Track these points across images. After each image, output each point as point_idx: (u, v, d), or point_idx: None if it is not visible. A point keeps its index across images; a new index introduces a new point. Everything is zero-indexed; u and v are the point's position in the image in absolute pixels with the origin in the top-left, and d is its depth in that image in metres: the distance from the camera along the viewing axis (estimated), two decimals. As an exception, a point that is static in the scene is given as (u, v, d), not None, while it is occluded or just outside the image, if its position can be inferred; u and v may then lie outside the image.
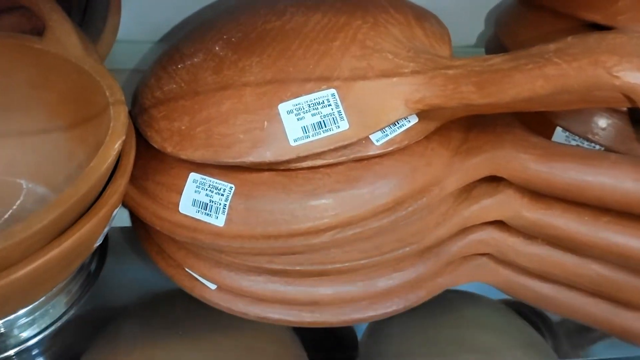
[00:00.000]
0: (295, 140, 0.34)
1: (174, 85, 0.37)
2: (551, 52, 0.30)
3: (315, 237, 0.35)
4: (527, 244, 0.40)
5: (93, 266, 0.45)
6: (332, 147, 0.34)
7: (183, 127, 0.36)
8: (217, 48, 0.37)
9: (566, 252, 0.40)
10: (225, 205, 0.35)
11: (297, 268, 0.37)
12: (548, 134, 0.43)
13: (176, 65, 0.38)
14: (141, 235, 0.43)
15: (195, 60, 0.38)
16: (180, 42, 0.41)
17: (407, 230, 0.37)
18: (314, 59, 0.35)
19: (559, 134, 0.42)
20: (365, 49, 0.36)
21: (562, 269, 0.40)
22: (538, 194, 0.38)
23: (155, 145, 0.37)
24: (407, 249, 0.37)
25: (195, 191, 0.36)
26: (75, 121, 0.41)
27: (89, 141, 0.39)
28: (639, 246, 0.36)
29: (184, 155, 0.35)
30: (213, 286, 0.40)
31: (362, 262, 0.37)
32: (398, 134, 0.35)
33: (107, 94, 0.37)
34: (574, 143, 0.42)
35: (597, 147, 0.41)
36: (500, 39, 0.47)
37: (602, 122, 0.40)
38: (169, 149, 0.36)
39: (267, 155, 0.34)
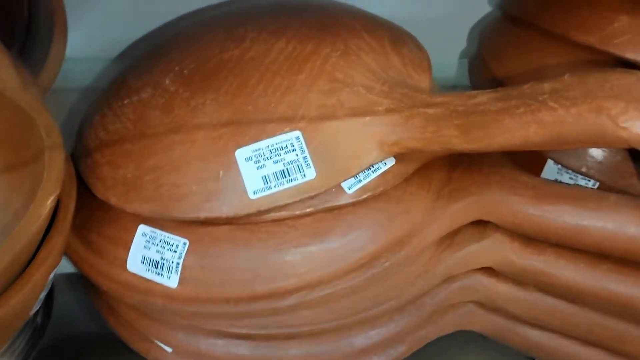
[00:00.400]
0: (255, 193, 0.29)
1: (119, 125, 0.33)
2: (546, 93, 0.26)
3: (281, 299, 0.31)
4: (518, 291, 0.36)
5: (39, 319, 0.41)
6: (297, 200, 0.30)
7: (129, 175, 0.31)
8: (167, 82, 0.33)
9: (561, 300, 0.36)
10: (178, 263, 0.31)
11: (262, 332, 0.33)
12: (538, 167, 0.39)
13: (122, 100, 0.34)
14: (89, 288, 0.39)
15: (143, 95, 0.33)
16: (127, 72, 0.36)
17: (384, 286, 0.33)
18: (276, 95, 0.31)
19: (551, 167, 0.38)
20: (334, 82, 0.31)
21: (557, 318, 0.36)
22: (529, 237, 0.35)
23: (98, 195, 0.32)
24: (385, 306, 0.33)
25: (145, 246, 0.32)
26: (10, 164, 0.36)
27: (25, 188, 0.34)
28: (642, 297, 0.33)
29: (129, 208, 0.31)
30: (169, 349, 0.35)
31: (334, 323, 0.33)
32: (373, 179, 0.31)
33: (43, 135, 0.33)
34: (566, 177, 0.38)
35: (593, 182, 0.37)
36: (485, 58, 0.44)
37: (599, 154, 0.37)
38: (113, 200, 0.31)
39: (223, 209, 0.30)
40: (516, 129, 0.26)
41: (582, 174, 0.37)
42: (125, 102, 0.33)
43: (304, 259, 0.31)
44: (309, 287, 0.31)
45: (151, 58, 0.36)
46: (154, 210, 0.30)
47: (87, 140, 0.34)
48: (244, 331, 0.33)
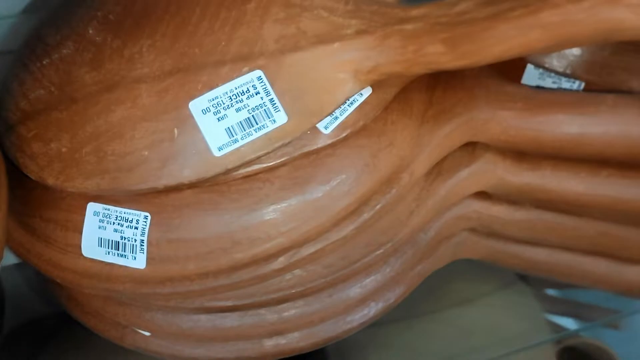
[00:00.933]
0: (220, 149, 0.25)
1: (42, 91, 0.27)
2: (546, -12, 0.22)
3: (266, 264, 0.27)
4: (514, 211, 0.34)
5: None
6: (271, 150, 0.26)
7: (64, 150, 0.26)
8: (90, 31, 0.28)
9: (561, 214, 0.34)
10: (142, 240, 0.27)
11: (248, 301, 0.29)
12: (516, 74, 0.35)
13: (40, 61, 0.28)
14: (45, 280, 0.34)
15: (65, 52, 0.28)
16: (42, 27, 0.30)
17: (376, 230, 0.30)
18: (225, 31, 0.26)
19: (531, 73, 0.35)
20: (291, 7, 0.27)
21: (557, 232, 0.34)
22: (523, 152, 0.32)
23: (32, 176, 0.27)
24: (380, 251, 0.30)
25: (100, 227, 0.28)
26: None
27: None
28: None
29: (71, 187, 0.26)
30: (147, 333, 0.32)
31: (327, 279, 0.30)
32: (350, 114, 0.27)
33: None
34: (549, 81, 0.35)
35: (578, 83, 0.34)
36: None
37: (584, 52, 0.33)
38: (51, 181, 0.27)
39: (184, 174, 0.25)
40: (514, 36, 0.22)
41: (566, 75, 0.34)
42: (45, 62, 0.28)
43: (285, 215, 0.27)
44: (295, 246, 0.27)
45: (67, 6, 0.30)
46: (102, 187, 0.26)
47: (8, 113, 0.29)
48: (229, 303, 0.29)
